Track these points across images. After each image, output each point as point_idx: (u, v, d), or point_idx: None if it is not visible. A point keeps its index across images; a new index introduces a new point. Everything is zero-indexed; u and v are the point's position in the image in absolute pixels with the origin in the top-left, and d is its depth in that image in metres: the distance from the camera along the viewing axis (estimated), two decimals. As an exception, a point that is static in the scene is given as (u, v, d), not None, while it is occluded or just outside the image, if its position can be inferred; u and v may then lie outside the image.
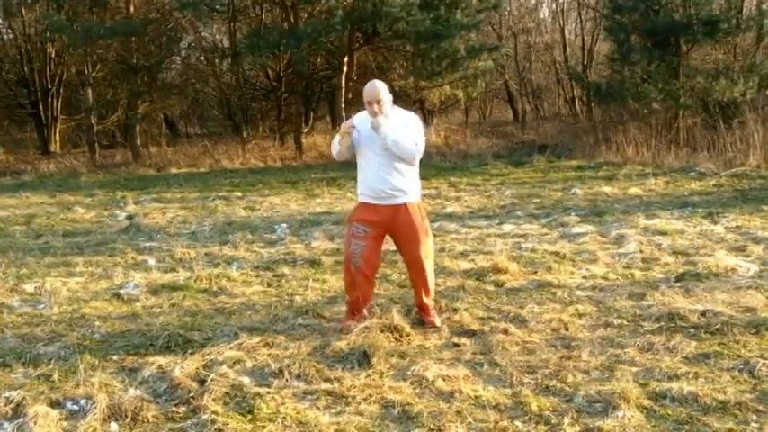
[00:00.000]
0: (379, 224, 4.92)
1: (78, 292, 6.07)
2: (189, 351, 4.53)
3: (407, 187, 4.92)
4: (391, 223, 4.93)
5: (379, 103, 4.78)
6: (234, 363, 4.28)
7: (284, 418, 3.62)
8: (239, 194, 12.00)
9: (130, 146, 19.29)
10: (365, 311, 5.06)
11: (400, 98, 20.92)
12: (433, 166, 15.36)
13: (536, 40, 26.19)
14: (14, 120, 23.42)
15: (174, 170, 16.32)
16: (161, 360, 4.31)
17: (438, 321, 5.04)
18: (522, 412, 3.63)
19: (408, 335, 4.72)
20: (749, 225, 8.01)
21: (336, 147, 5.03)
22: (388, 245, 5.37)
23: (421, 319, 5.08)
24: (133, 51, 18.77)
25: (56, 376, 4.16)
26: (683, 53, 15.98)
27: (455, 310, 5.24)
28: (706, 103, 15.79)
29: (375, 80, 4.98)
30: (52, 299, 5.80)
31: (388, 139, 4.76)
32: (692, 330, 4.69)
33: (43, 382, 4.10)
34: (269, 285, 6.20)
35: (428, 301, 5.12)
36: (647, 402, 3.67)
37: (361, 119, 4.96)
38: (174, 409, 3.72)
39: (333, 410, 3.71)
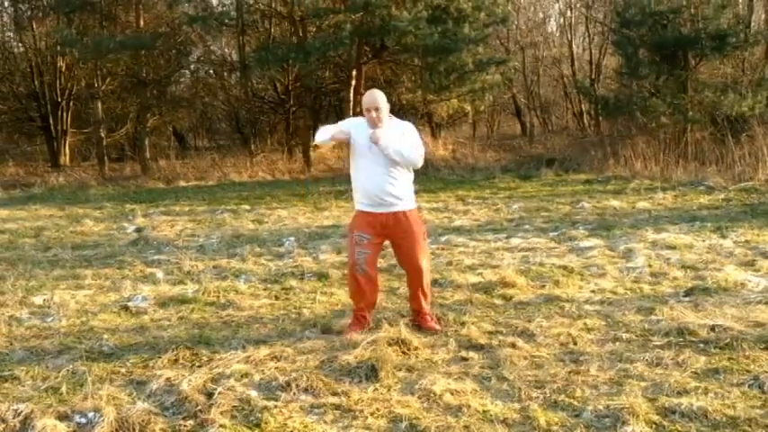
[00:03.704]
0: (379, 231, 5.05)
1: (87, 304, 6.09)
2: (197, 364, 4.54)
3: (404, 194, 5.05)
4: (391, 230, 5.07)
5: (377, 110, 4.93)
6: (241, 376, 4.28)
7: (292, 431, 3.62)
8: (247, 207, 12.03)
9: (139, 159, 19.40)
10: (370, 319, 5.17)
11: (408, 111, 20.98)
12: (440, 179, 15.40)
13: (544, 54, 26.25)
14: (24, 133, 23.59)
15: (182, 183, 16.39)
16: (169, 373, 4.31)
17: (437, 326, 5.15)
18: (531, 427, 3.62)
19: (416, 348, 4.71)
20: (758, 240, 7.98)
21: (326, 136, 5.04)
22: (389, 257, 5.39)
23: (419, 326, 5.15)
24: (143, 65, 18.92)
25: (64, 389, 4.17)
26: (692, 67, 16.00)
27: (463, 323, 5.23)
28: (714, 118, 15.78)
29: (374, 89, 5.17)
30: (61, 311, 5.82)
31: (389, 150, 4.89)
32: (702, 345, 4.66)
33: (51, 395, 4.11)
34: (277, 298, 6.20)
35: (426, 306, 5.22)
36: (656, 418, 3.64)
37: (357, 126, 5.05)
38: (182, 422, 3.72)
39: (340, 424, 3.70)
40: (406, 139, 4.97)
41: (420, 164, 5.06)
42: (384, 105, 4.97)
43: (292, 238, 8.90)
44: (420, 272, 5.12)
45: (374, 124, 4.94)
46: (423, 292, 5.19)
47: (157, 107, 20.63)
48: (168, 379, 4.21)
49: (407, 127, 5.10)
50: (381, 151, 4.90)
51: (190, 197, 13.81)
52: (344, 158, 17.70)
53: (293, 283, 6.67)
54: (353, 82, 17.40)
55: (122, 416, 3.68)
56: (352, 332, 4.99)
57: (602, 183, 13.66)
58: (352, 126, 5.09)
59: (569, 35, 24.60)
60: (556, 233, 8.79)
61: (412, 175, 5.17)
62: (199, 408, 3.83)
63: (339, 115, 19.28)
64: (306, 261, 7.60)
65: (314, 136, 4.97)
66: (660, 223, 9.21)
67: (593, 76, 22.38)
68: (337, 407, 3.88)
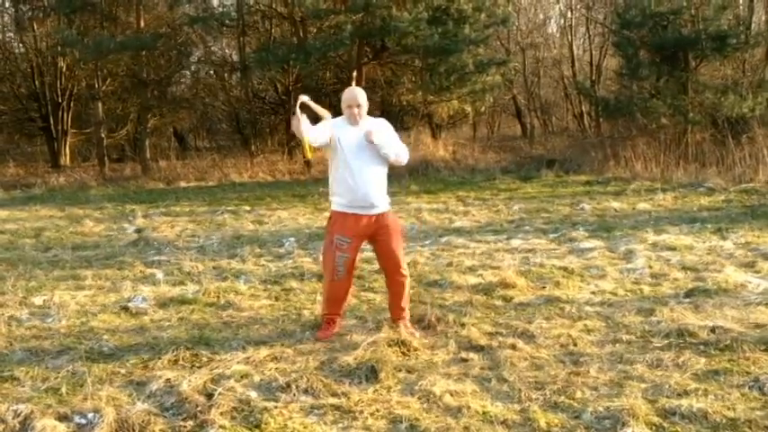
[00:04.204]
0: (360, 234, 5.03)
1: (87, 305, 6.08)
2: (196, 365, 4.54)
3: (385, 197, 5.10)
4: (372, 231, 5.05)
5: (359, 107, 4.95)
6: (241, 377, 4.28)
7: (291, 432, 3.63)
8: (247, 208, 12.03)
9: (140, 159, 19.40)
10: (340, 322, 5.22)
11: (408, 112, 20.98)
12: (440, 180, 15.40)
13: (544, 55, 26.23)
14: (25, 133, 23.59)
15: (182, 184, 16.38)
16: (169, 374, 4.31)
17: (415, 331, 5.07)
18: (531, 428, 3.62)
19: (416, 349, 4.71)
20: (758, 241, 7.97)
21: (323, 137, 4.89)
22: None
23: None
24: (143, 65, 18.91)
25: (64, 389, 4.17)
26: (692, 68, 15.99)
27: (463, 324, 5.23)
28: (715, 119, 15.77)
29: (353, 87, 5.23)
30: (61, 312, 5.82)
31: (385, 149, 4.92)
32: (702, 347, 4.66)
33: (51, 396, 4.11)
34: (277, 299, 6.20)
35: (404, 303, 5.19)
36: (656, 419, 3.64)
37: (338, 126, 5.00)
38: (182, 423, 3.72)
39: (340, 425, 3.71)
40: (386, 136, 4.99)
41: (405, 160, 5.11)
42: (365, 102, 4.99)
43: (292, 239, 8.90)
44: (399, 267, 5.10)
45: (355, 121, 4.94)
46: (403, 290, 5.14)
47: (158, 108, 20.62)
48: (168, 380, 4.22)
49: (384, 124, 5.12)
50: (378, 150, 4.89)
51: (190, 198, 13.81)
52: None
53: (293, 283, 6.67)
54: (354, 83, 17.39)
55: (122, 416, 3.68)
56: (324, 337, 5.01)
57: (603, 184, 13.65)
58: (332, 126, 5.00)
59: (570, 36, 24.58)
60: (556, 234, 8.79)
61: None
62: (199, 408, 3.83)
63: (339, 116, 19.26)
64: (306, 262, 7.60)
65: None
66: (660, 224, 9.20)
67: (593, 78, 22.38)
68: (337, 408, 3.88)
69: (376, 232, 5.06)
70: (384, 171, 5.08)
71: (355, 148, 4.92)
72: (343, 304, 5.23)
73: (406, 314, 5.22)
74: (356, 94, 5.00)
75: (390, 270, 5.16)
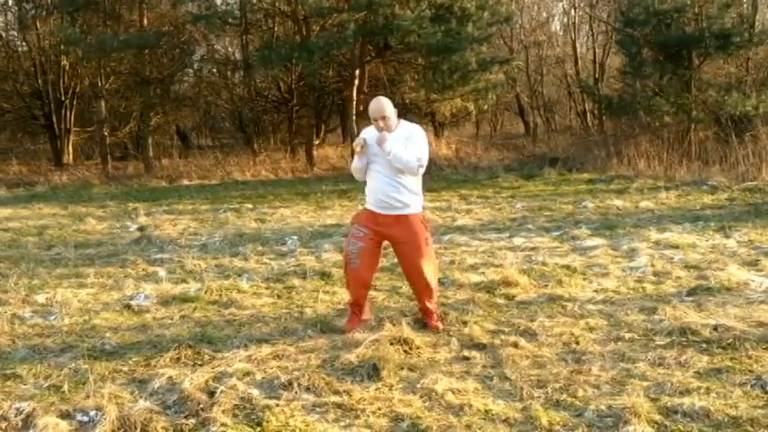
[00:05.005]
0: (378, 229, 5.11)
1: (89, 303, 6.10)
2: (199, 363, 4.55)
3: (409, 200, 5.11)
4: (391, 231, 5.12)
5: (384, 119, 5.00)
6: (243, 375, 4.29)
7: (293, 430, 3.62)
8: (250, 206, 12.03)
9: (143, 157, 19.41)
10: (367, 312, 5.29)
11: (411, 111, 20.95)
12: (443, 178, 15.39)
13: (547, 54, 26.18)
14: (28, 131, 23.61)
15: (185, 182, 16.39)
16: (171, 372, 4.31)
17: (440, 325, 5.19)
18: (533, 426, 3.61)
19: (418, 348, 4.71)
20: (762, 239, 7.96)
21: (357, 168, 5.21)
22: (391, 256, 5.38)
23: (424, 323, 5.21)
24: (146, 64, 18.91)
25: (66, 387, 4.18)
26: (695, 66, 15.96)
27: (465, 323, 5.23)
28: (718, 117, 15.74)
29: (379, 96, 5.18)
30: (63, 310, 5.83)
31: (391, 155, 4.96)
32: (704, 345, 4.66)
33: (53, 394, 4.12)
34: (279, 297, 6.21)
35: (431, 305, 5.27)
36: (658, 417, 3.64)
37: (369, 133, 5.15)
38: (184, 421, 3.72)
39: (342, 423, 3.71)
40: (409, 144, 4.98)
41: (416, 173, 5.06)
42: (391, 112, 5.01)
43: (295, 237, 8.90)
44: (420, 273, 5.13)
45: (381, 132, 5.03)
46: (426, 292, 5.23)
47: (161, 106, 20.59)
48: (170, 377, 4.22)
49: (416, 132, 5.08)
50: (385, 155, 4.98)
51: (193, 196, 13.82)
52: (347, 157, 17.76)
53: (296, 281, 6.68)
54: (357, 81, 17.39)
55: (124, 414, 3.69)
56: (350, 328, 5.09)
57: (606, 182, 13.64)
58: (366, 134, 5.15)
59: (573, 34, 24.50)
60: (559, 232, 8.78)
61: (419, 181, 5.19)
62: (200, 406, 3.83)
63: (342, 114, 19.29)
64: (308, 260, 7.61)
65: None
66: (663, 223, 9.19)
67: (596, 76, 22.33)
68: (339, 406, 3.89)
69: (395, 234, 5.12)
70: (408, 176, 5.04)
71: (376, 152, 5.05)
72: (364, 294, 5.27)
73: (433, 307, 5.28)
74: (382, 106, 5.01)
75: (409, 273, 5.24)
